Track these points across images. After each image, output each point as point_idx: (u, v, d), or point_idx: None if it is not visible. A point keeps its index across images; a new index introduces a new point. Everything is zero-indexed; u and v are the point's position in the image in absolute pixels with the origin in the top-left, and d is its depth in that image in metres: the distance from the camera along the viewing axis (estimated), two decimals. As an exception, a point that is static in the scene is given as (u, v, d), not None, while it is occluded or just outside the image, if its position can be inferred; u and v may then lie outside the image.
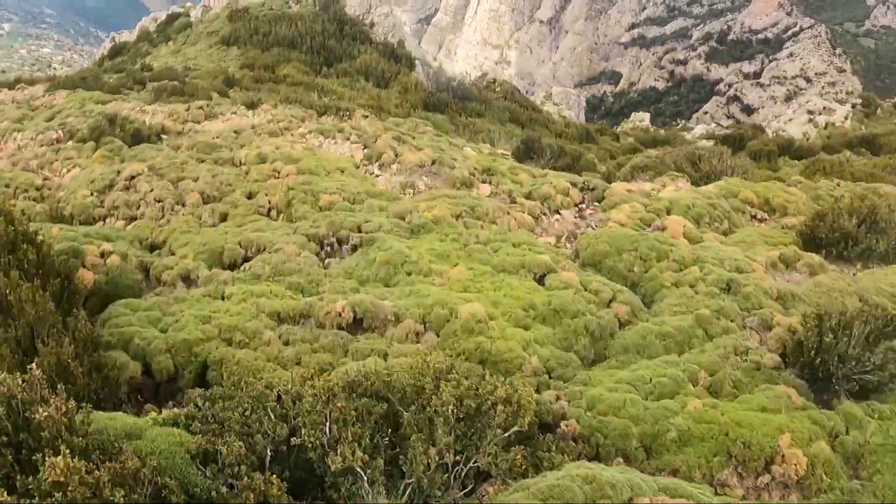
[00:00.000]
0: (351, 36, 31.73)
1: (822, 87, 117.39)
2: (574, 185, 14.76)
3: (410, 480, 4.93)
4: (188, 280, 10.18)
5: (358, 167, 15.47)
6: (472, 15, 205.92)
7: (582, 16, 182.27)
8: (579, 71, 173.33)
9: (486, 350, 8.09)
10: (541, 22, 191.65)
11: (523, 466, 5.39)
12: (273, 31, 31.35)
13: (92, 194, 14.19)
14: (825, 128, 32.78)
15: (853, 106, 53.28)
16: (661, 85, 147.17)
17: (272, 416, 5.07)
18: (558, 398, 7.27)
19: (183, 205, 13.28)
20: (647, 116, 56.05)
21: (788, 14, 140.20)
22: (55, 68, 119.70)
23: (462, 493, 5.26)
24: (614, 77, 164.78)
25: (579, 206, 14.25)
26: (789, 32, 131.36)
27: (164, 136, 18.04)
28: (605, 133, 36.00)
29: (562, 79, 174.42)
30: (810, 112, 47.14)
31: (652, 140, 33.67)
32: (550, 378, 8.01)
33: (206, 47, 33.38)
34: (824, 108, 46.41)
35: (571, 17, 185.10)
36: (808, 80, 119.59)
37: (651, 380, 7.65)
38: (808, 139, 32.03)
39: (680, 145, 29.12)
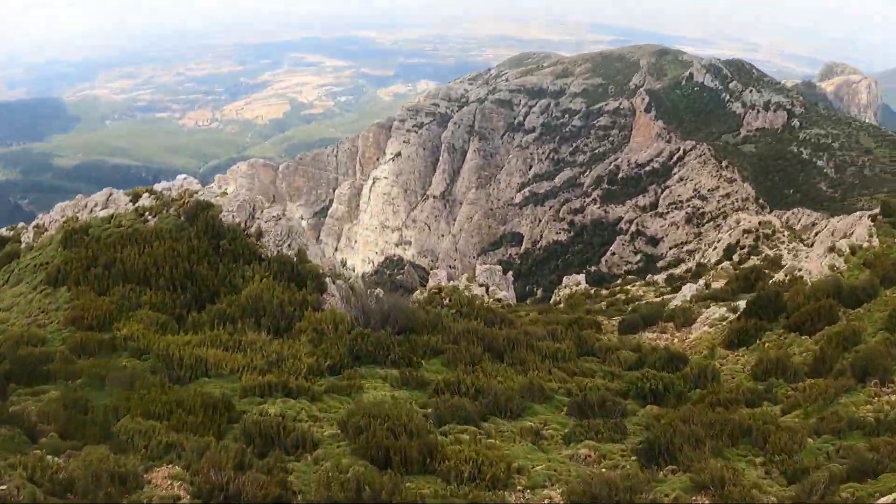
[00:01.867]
0: (231, 255, 19.85)
1: (718, 201, 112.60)
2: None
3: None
4: None
5: None
6: (367, 201, 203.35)
7: (473, 185, 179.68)
8: (479, 239, 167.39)
9: None
10: (434, 198, 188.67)
11: None
12: (118, 260, 18.95)
13: None
14: (853, 253, 21.16)
15: (872, 219, 42.75)
16: (563, 237, 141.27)
17: None
18: None
19: None
20: (581, 278, 45.04)
21: (668, 142, 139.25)
22: None
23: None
24: (515, 238, 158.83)
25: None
26: (674, 158, 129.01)
27: None
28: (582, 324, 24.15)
29: (464, 249, 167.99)
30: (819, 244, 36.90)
31: (630, 325, 23.07)
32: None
33: (30, 289, 20.73)
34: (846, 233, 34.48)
35: (463, 189, 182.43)
36: (704, 198, 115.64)
37: None
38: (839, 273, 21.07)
39: (682, 321, 21.96)
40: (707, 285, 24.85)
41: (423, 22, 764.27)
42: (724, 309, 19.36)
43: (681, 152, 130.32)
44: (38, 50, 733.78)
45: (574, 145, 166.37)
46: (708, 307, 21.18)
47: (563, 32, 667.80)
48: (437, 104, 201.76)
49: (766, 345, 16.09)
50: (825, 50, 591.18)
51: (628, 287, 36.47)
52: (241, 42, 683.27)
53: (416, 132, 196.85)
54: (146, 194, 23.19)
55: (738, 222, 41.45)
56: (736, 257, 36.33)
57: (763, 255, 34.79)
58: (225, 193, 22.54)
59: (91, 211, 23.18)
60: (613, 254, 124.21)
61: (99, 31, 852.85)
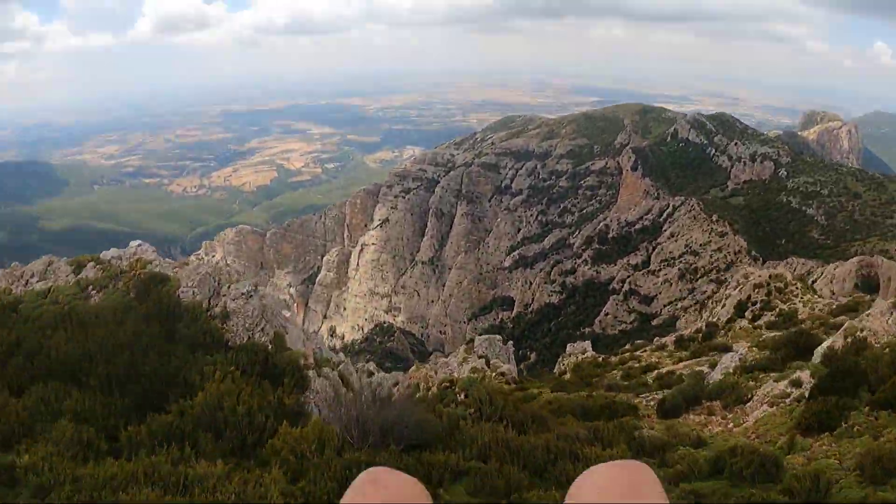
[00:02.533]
0: (188, 342, 15.16)
1: (711, 255, 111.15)
2: None
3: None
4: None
5: None
6: (355, 268, 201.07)
7: (461, 249, 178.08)
8: (470, 304, 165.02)
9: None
10: (423, 263, 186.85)
11: None
12: (45, 348, 13.76)
13: None
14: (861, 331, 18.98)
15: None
16: (555, 299, 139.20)
17: None
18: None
19: None
20: (587, 345, 42.38)
21: (657, 198, 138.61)
22: None
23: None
24: (506, 302, 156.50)
25: None
26: (664, 215, 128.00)
27: None
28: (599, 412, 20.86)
29: (454, 314, 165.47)
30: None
31: (672, 408, 18.53)
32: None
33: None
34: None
35: (451, 253, 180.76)
36: (696, 254, 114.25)
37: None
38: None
39: (733, 399, 17.72)
40: (744, 360, 21.31)
41: (408, 88, 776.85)
42: (784, 383, 16.24)
43: (670, 208, 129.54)
44: (28, 113, 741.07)
45: (562, 206, 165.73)
46: (758, 379, 17.93)
47: (546, 96, 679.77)
48: (424, 169, 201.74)
49: (856, 428, 12.98)
50: (802, 100, 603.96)
51: (639, 353, 34.00)
52: (228, 109, 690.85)
53: (404, 198, 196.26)
54: (91, 264, 19.17)
55: (746, 277, 39.38)
56: (748, 314, 34.13)
57: (777, 309, 32.74)
58: (186, 264, 18.94)
59: (27, 283, 19.54)
60: (607, 314, 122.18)
61: (89, 98, 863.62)
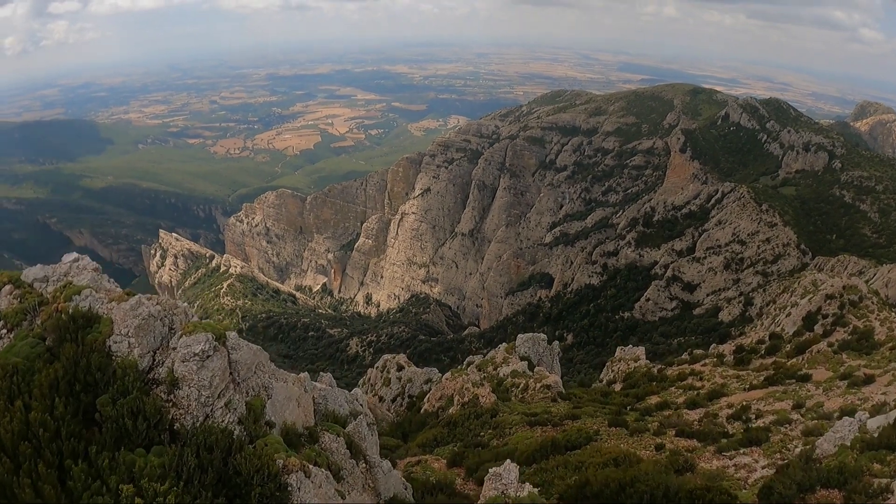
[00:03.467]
0: (114, 429, 8.66)
1: (758, 246, 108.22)
2: None
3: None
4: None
5: None
6: (395, 236, 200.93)
7: (502, 223, 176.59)
8: (508, 279, 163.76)
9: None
10: (462, 235, 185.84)
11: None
12: None
13: None
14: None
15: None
16: (595, 280, 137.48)
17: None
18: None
19: None
20: (641, 352, 39.41)
21: (705, 183, 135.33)
22: None
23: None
24: (545, 279, 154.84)
25: None
26: (712, 201, 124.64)
27: None
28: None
29: (492, 289, 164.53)
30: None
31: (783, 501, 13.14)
32: None
33: None
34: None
35: (492, 227, 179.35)
36: (743, 243, 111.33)
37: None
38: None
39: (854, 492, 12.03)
40: (863, 429, 14.37)
41: (454, 58, 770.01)
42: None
43: (719, 194, 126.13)
44: (75, 72, 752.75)
45: (607, 185, 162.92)
46: (888, 464, 12.52)
47: (594, 72, 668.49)
48: (469, 140, 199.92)
49: None
50: (853, 90, 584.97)
51: (698, 367, 31.56)
52: (275, 73, 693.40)
53: (447, 168, 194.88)
54: (8, 287, 12.53)
55: (815, 285, 36.87)
56: (819, 328, 31.55)
57: (851, 326, 30.41)
58: (127, 296, 11.16)
59: None
60: (648, 300, 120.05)
61: (136, 59, 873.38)
